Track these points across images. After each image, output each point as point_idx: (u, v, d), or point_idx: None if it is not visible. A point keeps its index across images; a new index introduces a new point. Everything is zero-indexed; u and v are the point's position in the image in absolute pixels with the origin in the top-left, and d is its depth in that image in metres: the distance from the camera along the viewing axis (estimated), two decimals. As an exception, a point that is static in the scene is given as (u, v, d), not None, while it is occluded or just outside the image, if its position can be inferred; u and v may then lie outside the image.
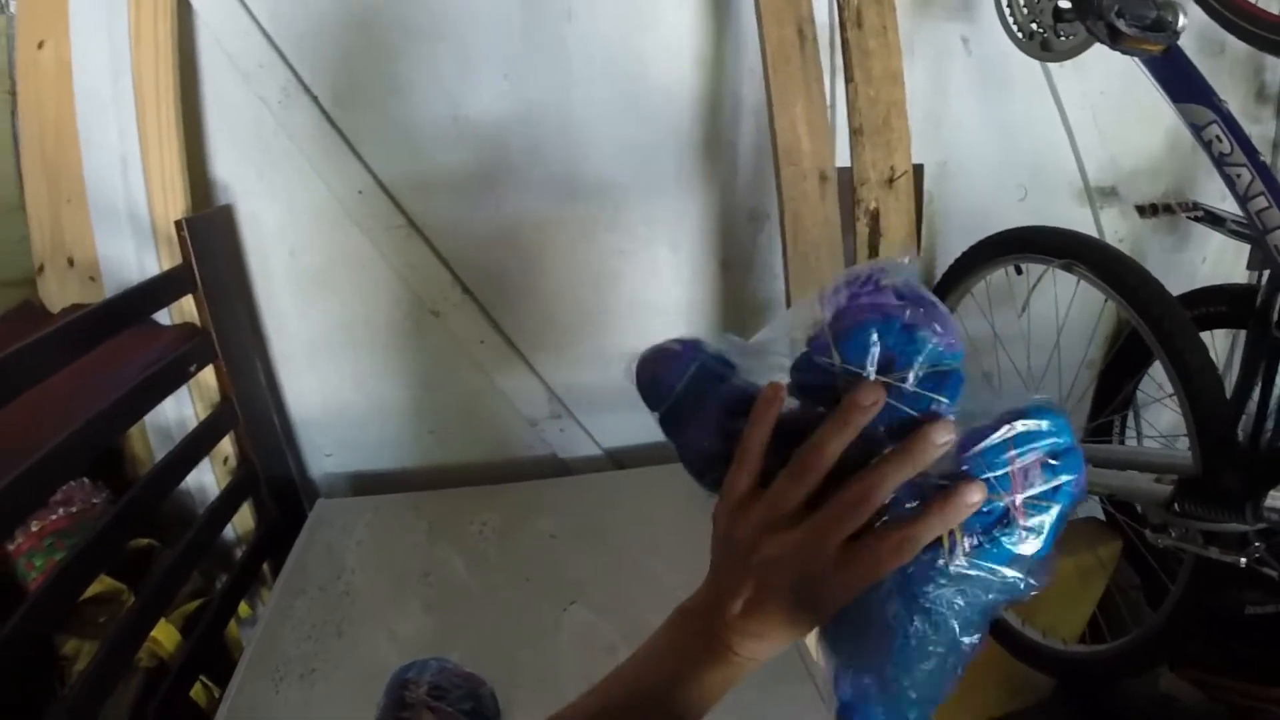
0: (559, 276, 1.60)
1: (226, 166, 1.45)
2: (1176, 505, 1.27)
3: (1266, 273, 1.44)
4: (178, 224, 1.30)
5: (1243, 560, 1.22)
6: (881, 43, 1.35)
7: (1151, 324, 1.27)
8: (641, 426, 1.76)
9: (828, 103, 1.38)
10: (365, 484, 1.71)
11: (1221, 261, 1.98)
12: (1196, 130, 1.30)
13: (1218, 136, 1.27)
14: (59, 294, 1.44)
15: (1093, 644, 1.57)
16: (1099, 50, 1.33)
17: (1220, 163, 1.29)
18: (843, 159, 1.43)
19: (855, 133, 1.34)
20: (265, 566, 1.51)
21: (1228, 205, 1.52)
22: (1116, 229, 1.86)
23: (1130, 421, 1.91)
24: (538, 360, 1.65)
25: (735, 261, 1.66)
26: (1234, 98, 1.50)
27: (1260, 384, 1.46)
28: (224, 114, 1.42)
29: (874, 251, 1.35)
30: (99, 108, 1.36)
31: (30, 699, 1.15)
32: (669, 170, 1.56)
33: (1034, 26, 1.43)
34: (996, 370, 1.73)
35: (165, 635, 1.27)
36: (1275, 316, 1.44)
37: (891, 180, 1.35)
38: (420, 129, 1.46)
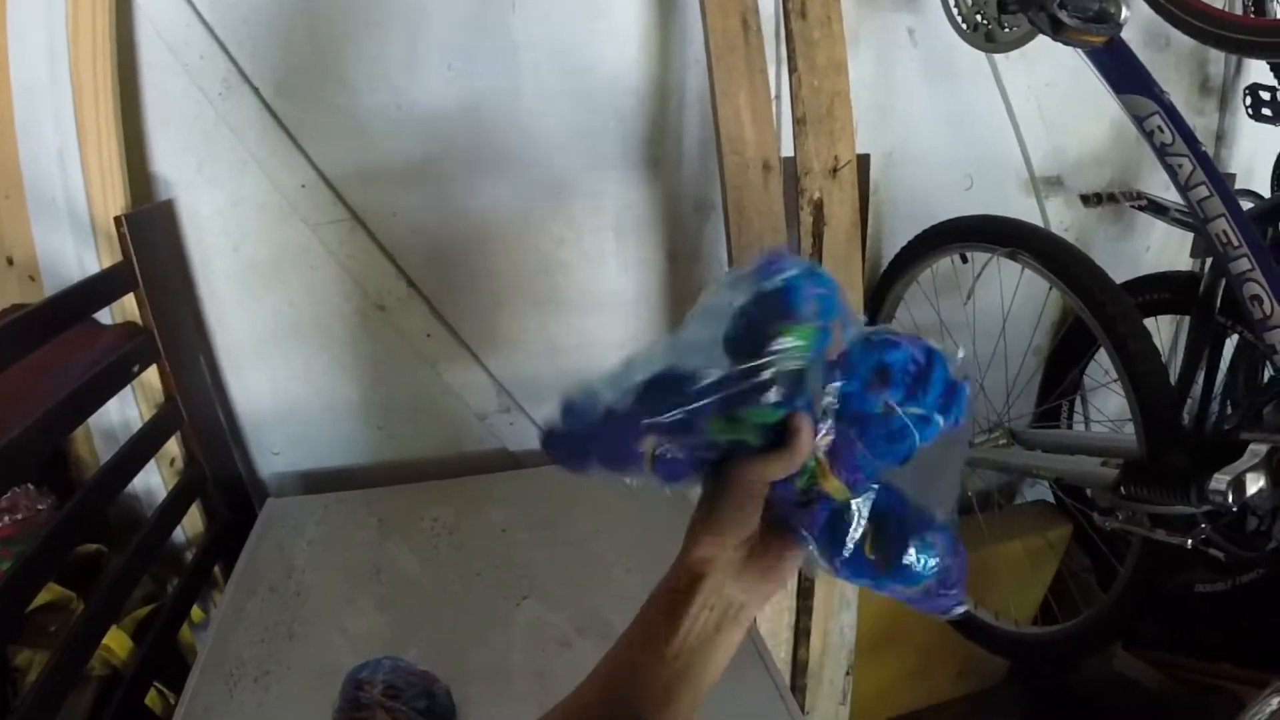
0: (505, 268, 1.59)
1: (167, 160, 1.42)
2: (1123, 488, 1.29)
3: (1209, 260, 1.47)
4: (117, 220, 1.28)
5: (1189, 542, 1.25)
6: (826, 33, 1.36)
7: (1095, 310, 1.30)
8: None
9: (772, 94, 1.38)
10: (315, 482, 1.69)
11: (1165, 250, 2.02)
12: (1139, 121, 1.32)
13: (1159, 127, 1.29)
14: (-1, 294, 1.40)
15: (1044, 625, 1.59)
16: (1045, 42, 1.35)
17: (1162, 153, 1.31)
18: (787, 150, 1.43)
19: (799, 122, 1.34)
20: (216, 569, 1.49)
21: (1171, 195, 1.55)
22: (1062, 218, 1.89)
23: (1078, 407, 1.94)
24: (485, 353, 1.64)
25: (682, 252, 1.66)
26: (1178, 90, 1.53)
27: (1204, 369, 1.49)
28: (164, 107, 1.39)
29: (817, 240, 1.36)
30: (36, 99, 1.33)
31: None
32: (615, 160, 1.56)
33: (978, 18, 1.45)
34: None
35: (117, 643, 1.25)
36: (1218, 303, 1.47)
37: (835, 170, 1.35)
38: (364, 120, 1.44)
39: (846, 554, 0.54)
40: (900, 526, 0.54)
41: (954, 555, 0.55)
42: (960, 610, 0.56)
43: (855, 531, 0.54)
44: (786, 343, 0.49)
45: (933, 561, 0.53)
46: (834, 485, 0.53)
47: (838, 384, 0.53)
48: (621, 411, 0.53)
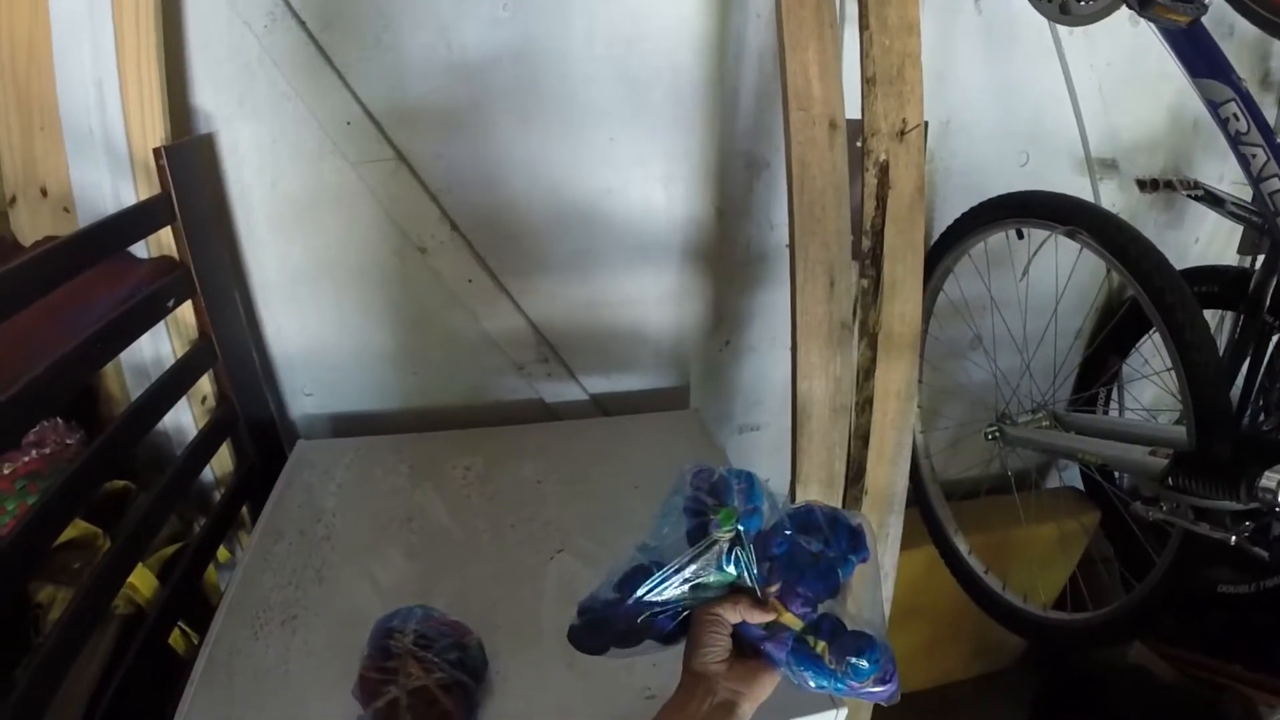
0: (549, 216, 1.56)
1: (208, 93, 1.38)
2: (1170, 479, 1.26)
3: (1262, 257, 1.45)
4: (156, 152, 1.25)
5: (1232, 538, 1.23)
6: (899, -10, 1.31)
7: (1154, 296, 1.26)
8: (630, 374, 1.76)
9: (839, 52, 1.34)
10: (345, 425, 1.68)
11: (1213, 244, 2.01)
12: (1214, 107, 1.29)
13: (1235, 115, 1.27)
14: (31, 226, 1.38)
15: (1073, 612, 1.58)
16: (1108, 21, 1.32)
17: (1236, 142, 1.28)
18: (852, 113, 1.39)
19: (868, 82, 1.30)
20: (244, 510, 1.49)
21: (1225, 187, 1.52)
22: (1113, 201, 1.86)
23: (1113, 395, 1.93)
24: (525, 303, 1.62)
25: (730, 209, 1.64)
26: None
27: (1248, 367, 1.47)
28: (207, 38, 1.35)
29: (881, 204, 1.33)
30: (74, 29, 1.28)
31: (3, 648, 1.11)
32: (667, 112, 1.53)
33: (1055, -13, 1.40)
34: (991, 334, 1.73)
35: (142, 581, 1.24)
36: (1268, 301, 1.44)
37: (903, 133, 1.31)
38: (411, 58, 1.40)
39: (812, 667, 0.70)
40: (845, 640, 0.70)
41: (887, 656, 0.70)
42: (896, 698, 0.71)
43: (816, 649, 0.70)
44: (716, 521, 0.71)
45: (872, 663, 0.69)
46: (789, 618, 0.71)
47: (777, 549, 0.72)
48: (616, 603, 0.72)
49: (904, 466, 1.45)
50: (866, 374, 1.40)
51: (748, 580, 0.71)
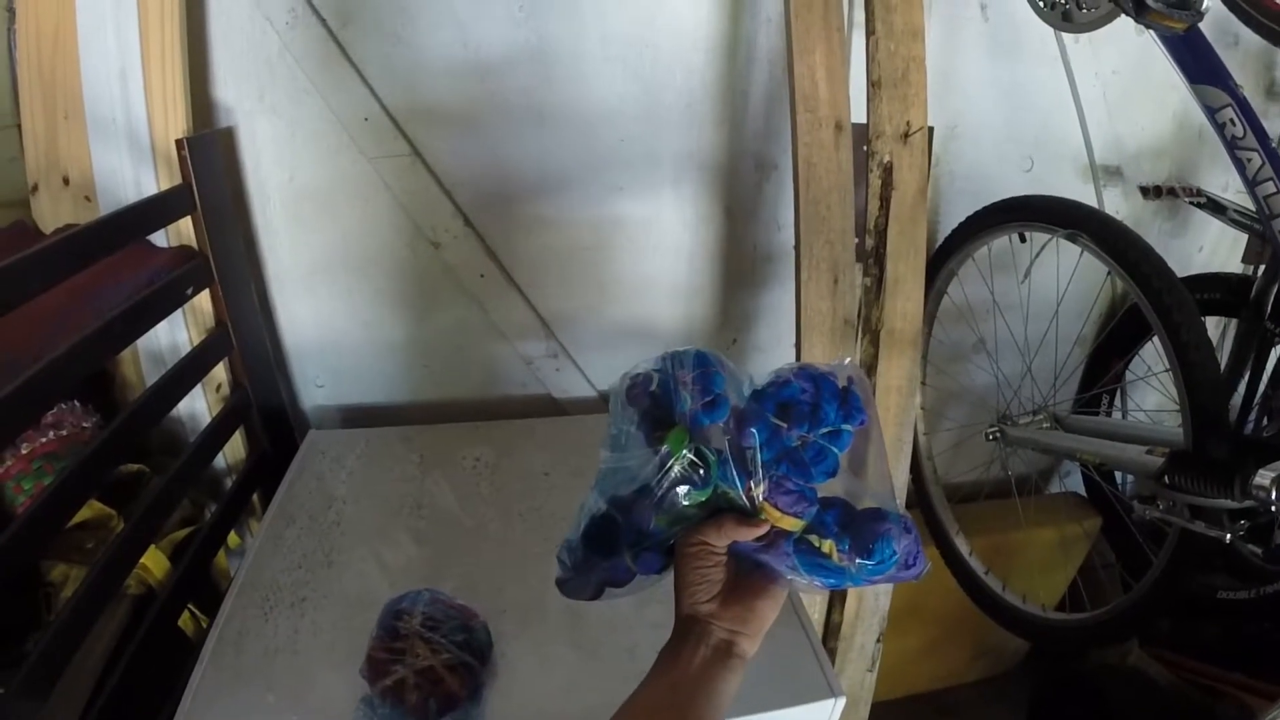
0: (561, 213, 1.58)
1: (229, 86, 1.41)
2: (1166, 477, 1.28)
3: (1263, 265, 1.46)
4: (179, 143, 1.28)
5: (1227, 536, 1.24)
6: (904, -2, 1.34)
7: (1152, 297, 1.29)
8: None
9: (846, 56, 1.37)
10: (356, 417, 1.70)
11: (1217, 252, 2.02)
12: (1211, 113, 1.31)
13: (1231, 120, 1.29)
14: (53, 214, 1.40)
15: (1072, 612, 1.59)
16: (1113, 29, 1.34)
17: (1232, 146, 1.30)
18: (857, 116, 1.42)
19: (874, 85, 1.33)
20: (255, 497, 1.51)
21: (1229, 195, 1.53)
22: (1118, 208, 1.88)
23: (1117, 401, 1.94)
24: (536, 298, 1.64)
25: (739, 209, 1.66)
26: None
27: (1248, 374, 1.48)
28: (228, 33, 1.38)
29: (884, 204, 1.35)
30: (100, 18, 1.31)
31: (15, 624, 1.13)
32: (678, 113, 1.55)
33: (1057, -4, 1.43)
34: (994, 337, 1.75)
35: (154, 562, 1.25)
36: (1269, 308, 1.46)
37: (907, 135, 1.34)
38: (430, 56, 1.43)
39: (823, 570, 0.63)
40: (856, 530, 0.62)
41: (908, 532, 0.63)
42: (926, 572, 0.64)
43: (823, 549, 0.63)
44: (668, 450, 0.61)
45: (893, 546, 0.61)
46: (787, 522, 0.62)
47: (753, 441, 0.61)
48: (589, 555, 0.67)
49: (905, 461, 1.47)
50: (869, 370, 1.42)
51: (729, 492, 0.62)
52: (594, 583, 0.68)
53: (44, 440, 1.24)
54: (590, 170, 1.56)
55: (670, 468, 0.61)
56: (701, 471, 0.61)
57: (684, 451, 0.61)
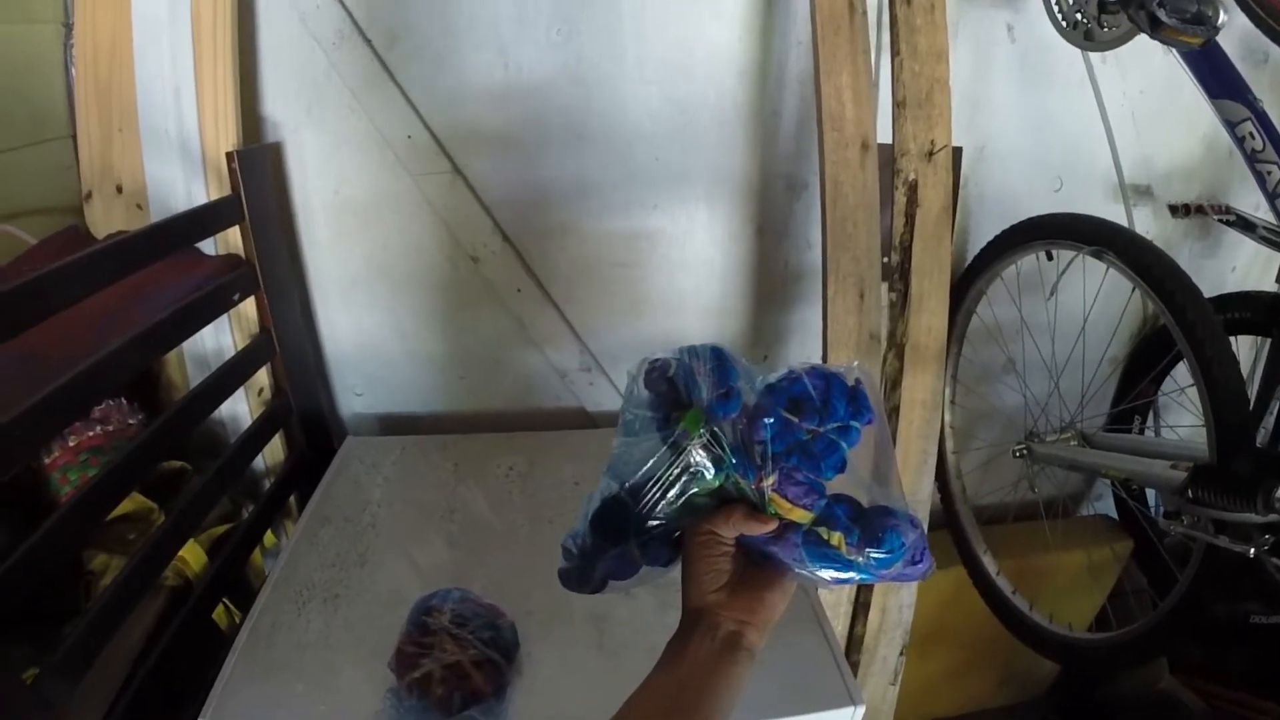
0: (597, 230, 1.61)
1: (277, 103, 1.47)
2: (1190, 492, 1.28)
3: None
4: (229, 155, 1.33)
5: (1251, 550, 1.23)
6: (928, 20, 1.37)
7: (1176, 312, 1.29)
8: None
9: (872, 78, 1.39)
10: (392, 425, 1.74)
11: (1250, 273, 1.99)
12: (1231, 126, 1.32)
13: (1251, 133, 1.30)
14: (105, 221, 1.45)
15: (1098, 632, 1.58)
16: (1141, 48, 1.35)
17: (1252, 160, 1.31)
18: (883, 137, 1.44)
19: (899, 105, 1.36)
20: (292, 499, 1.54)
21: (1261, 213, 1.53)
22: (1148, 228, 1.86)
23: (1149, 421, 1.92)
24: (571, 313, 1.67)
25: (771, 228, 1.68)
26: (1271, 109, 1.52)
27: (1280, 394, 1.47)
28: (278, 52, 1.44)
29: (910, 221, 1.37)
30: (155, 35, 1.37)
31: (55, 610, 1.16)
32: (711, 134, 1.57)
33: (1078, 16, 1.45)
34: (1022, 356, 1.75)
35: (192, 555, 1.29)
36: (1300, 325, 1.45)
37: (931, 154, 1.37)
38: (472, 77, 1.47)
39: (830, 563, 0.63)
40: (865, 523, 0.63)
41: (915, 528, 0.63)
42: (931, 571, 0.65)
43: (831, 541, 0.63)
44: (684, 430, 0.62)
45: (901, 539, 0.62)
46: (796, 513, 0.62)
47: (764, 433, 0.62)
48: (597, 543, 0.66)
49: (929, 474, 1.48)
50: (894, 384, 1.44)
51: (740, 482, 0.63)
52: (599, 573, 0.67)
53: (91, 434, 1.28)
54: (625, 189, 1.59)
55: (685, 449, 0.62)
56: (715, 453, 0.62)
57: (701, 431, 0.61)
